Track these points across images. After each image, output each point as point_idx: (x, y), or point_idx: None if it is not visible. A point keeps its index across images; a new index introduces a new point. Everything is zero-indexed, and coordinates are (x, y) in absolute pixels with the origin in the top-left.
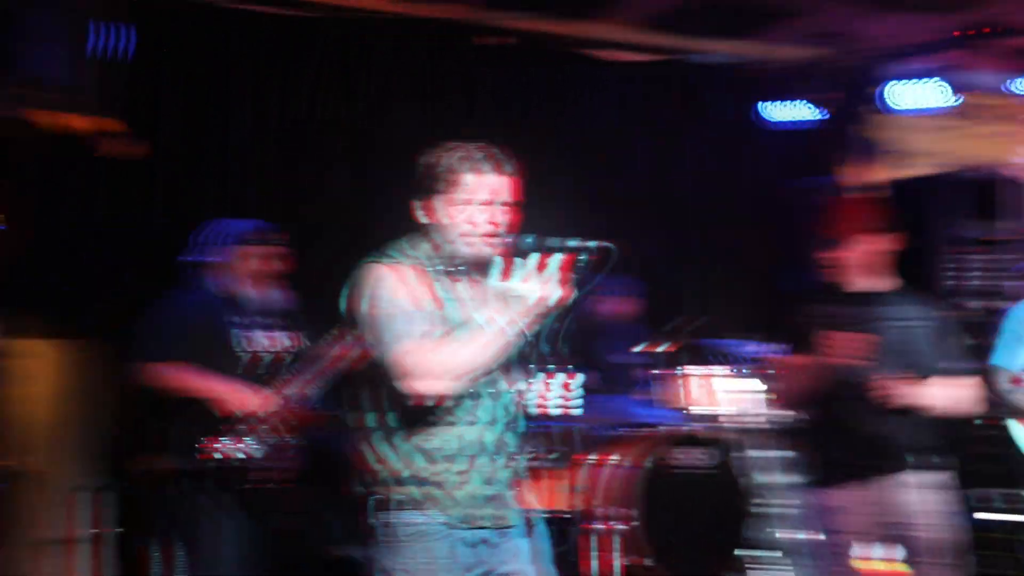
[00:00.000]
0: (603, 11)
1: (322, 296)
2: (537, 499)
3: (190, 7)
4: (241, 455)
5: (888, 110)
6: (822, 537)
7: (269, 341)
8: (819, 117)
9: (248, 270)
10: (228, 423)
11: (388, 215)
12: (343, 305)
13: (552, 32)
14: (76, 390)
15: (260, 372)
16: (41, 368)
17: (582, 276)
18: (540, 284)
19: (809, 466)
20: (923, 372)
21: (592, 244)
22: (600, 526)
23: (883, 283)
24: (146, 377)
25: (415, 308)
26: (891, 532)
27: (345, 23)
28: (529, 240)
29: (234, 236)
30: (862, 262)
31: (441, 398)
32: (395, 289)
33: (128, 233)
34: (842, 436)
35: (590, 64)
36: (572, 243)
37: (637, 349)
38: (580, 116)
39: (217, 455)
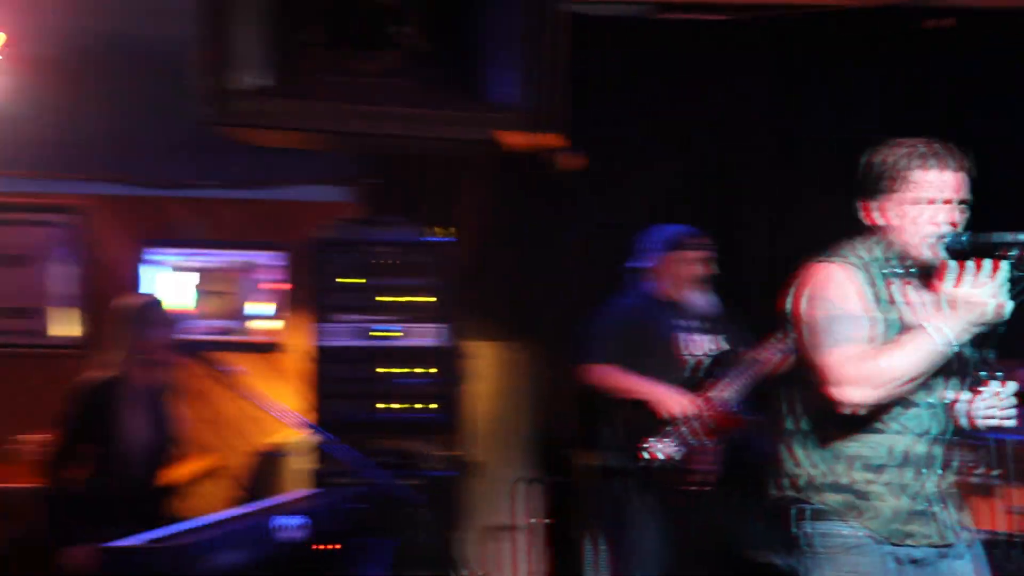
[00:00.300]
0: None
1: (746, 300)
2: (973, 519)
3: (621, 21)
4: (669, 456)
5: None
6: None
7: (701, 345)
8: None
9: (681, 274)
10: (659, 425)
11: (813, 216)
12: (786, 304)
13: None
14: (514, 389)
15: (692, 375)
16: (484, 368)
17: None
18: (992, 290)
19: None
20: None
21: None
22: None
23: None
24: (585, 378)
25: (859, 312)
26: None
27: (778, 21)
28: (965, 239)
29: (668, 241)
30: None
31: (861, 407)
32: (841, 291)
33: (569, 242)
34: None
35: None
36: (1010, 239)
37: None
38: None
39: (647, 455)
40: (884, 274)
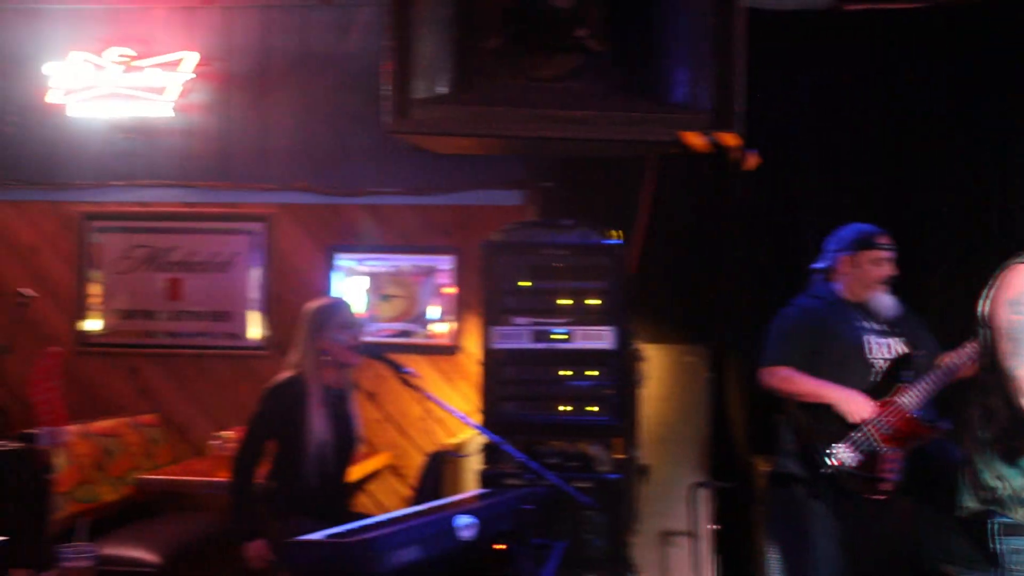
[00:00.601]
0: None
1: (931, 303)
2: None
3: (800, 15)
4: (851, 463)
5: None
6: None
7: (886, 348)
8: None
9: (867, 275)
10: (841, 430)
11: (1006, 215)
12: (983, 307)
13: None
14: (686, 392)
15: (877, 380)
16: (655, 370)
17: None
18: None
19: None
20: None
21: None
22: None
23: None
24: (764, 380)
25: None
26: None
27: (968, 9)
28: None
29: (855, 241)
30: None
31: None
32: None
33: (746, 243)
34: None
35: None
36: None
37: None
38: None
39: (828, 461)
40: None
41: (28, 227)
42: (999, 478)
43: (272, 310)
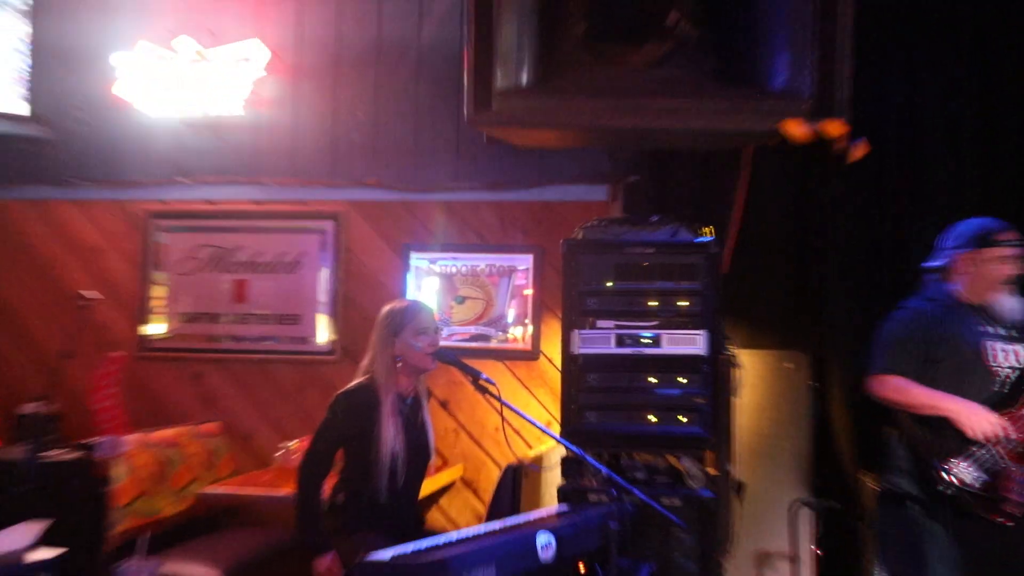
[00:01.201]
0: None
1: None
2: None
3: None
4: (971, 482)
5: None
6: None
7: (1012, 355)
8: None
9: (988, 275)
10: (960, 445)
11: None
12: None
13: None
14: (785, 401)
15: (1001, 390)
16: (751, 378)
17: None
18: None
19: None
20: None
21: None
22: None
23: None
24: (873, 390)
25: None
26: None
27: None
28: None
29: (974, 238)
30: None
31: None
32: None
33: (852, 239)
34: None
35: None
36: None
37: None
38: None
39: (945, 479)
40: None
41: (91, 227)
42: None
43: (341, 313)
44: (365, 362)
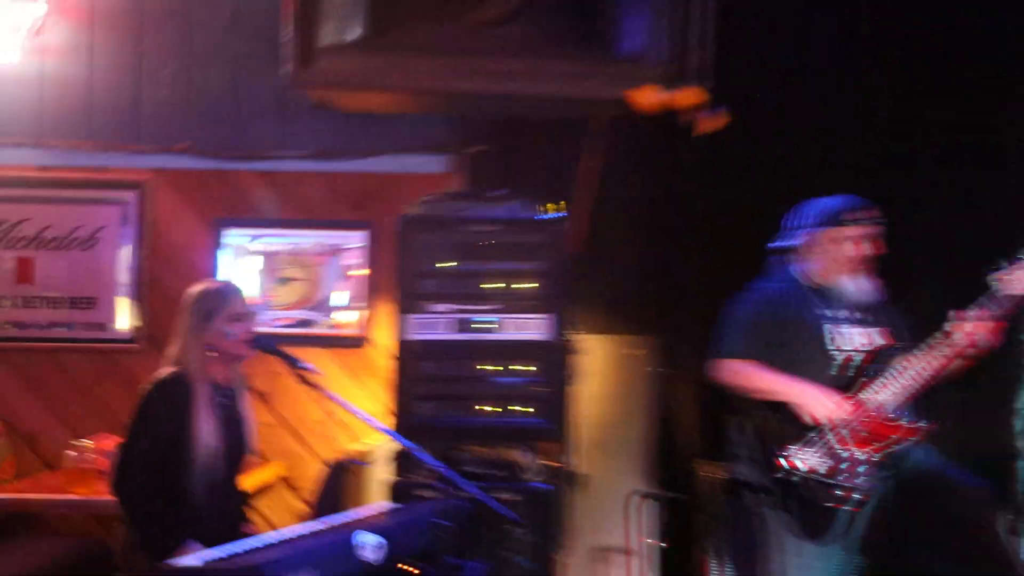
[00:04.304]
0: None
1: (917, 287)
2: None
3: None
4: (812, 468)
5: None
6: None
7: (863, 339)
8: None
9: (837, 255)
10: (802, 431)
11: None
12: (993, 285)
13: None
14: (630, 389)
15: (849, 374)
16: (595, 365)
17: None
18: None
19: None
20: None
21: None
22: None
23: None
24: (715, 375)
25: None
26: None
27: None
28: None
29: (823, 216)
30: None
31: None
32: None
33: (701, 218)
34: None
35: None
36: None
37: None
38: None
39: (786, 466)
40: None
41: None
42: None
43: (145, 296)
44: (173, 350)
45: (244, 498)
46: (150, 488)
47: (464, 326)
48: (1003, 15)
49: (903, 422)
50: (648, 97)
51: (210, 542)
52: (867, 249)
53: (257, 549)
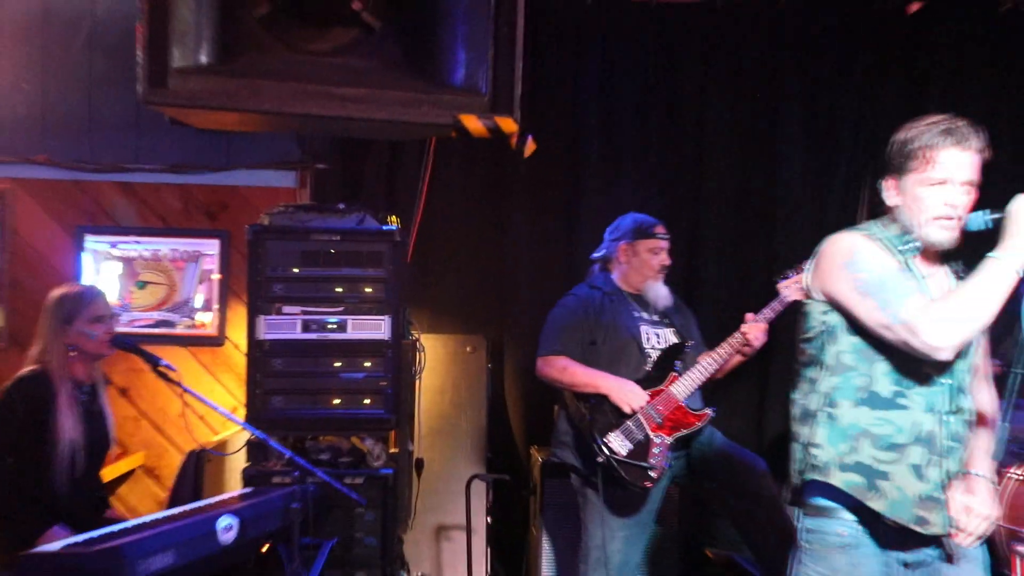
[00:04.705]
0: None
1: (705, 295)
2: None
3: (579, 5)
4: (624, 453)
5: None
6: None
7: (659, 337)
8: None
9: (644, 265)
10: (616, 419)
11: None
12: (810, 281)
13: None
14: (463, 383)
15: (652, 370)
16: (431, 361)
17: None
18: None
19: None
20: None
21: None
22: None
23: None
24: (539, 372)
25: (898, 270)
26: None
27: (740, 7)
28: (987, 219)
29: (633, 231)
30: None
31: (948, 348)
32: (876, 255)
33: (525, 230)
34: None
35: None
36: None
37: None
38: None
39: (606, 451)
40: (901, 253)
41: None
42: (824, 446)
43: (7, 298)
44: (35, 351)
45: (106, 488)
46: (7, 481)
47: (311, 326)
48: (782, 80)
49: (696, 410)
50: (473, 123)
51: (74, 530)
52: (666, 259)
53: (118, 534)
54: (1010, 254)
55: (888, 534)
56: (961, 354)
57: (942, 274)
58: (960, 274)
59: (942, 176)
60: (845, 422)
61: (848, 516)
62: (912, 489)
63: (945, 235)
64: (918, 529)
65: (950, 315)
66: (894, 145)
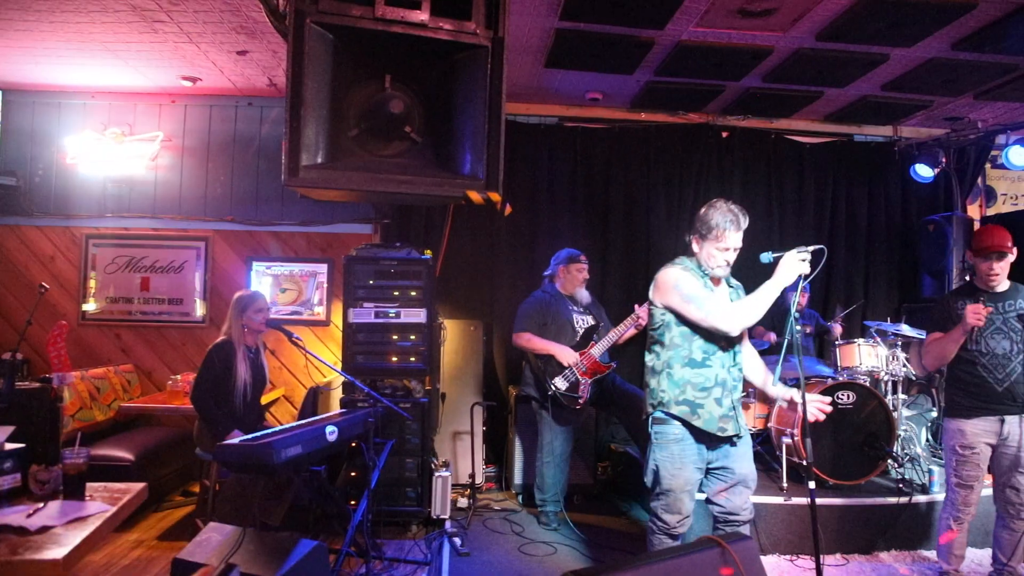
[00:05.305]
0: (799, 109)
1: (609, 295)
2: (745, 420)
3: (538, 127)
4: (564, 389)
5: (1000, 166)
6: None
7: (584, 322)
8: (946, 173)
9: (573, 278)
10: (558, 369)
11: (642, 253)
12: (652, 295)
13: (764, 127)
14: (470, 348)
15: (580, 340)
16: (451, 335)
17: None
18: (799, 266)
19: (947, 403)
20: None
21: (812, 248)
22: (785, 439)
23: (1005, 283)
24: (515, 342)
25: (704, 290)
26: (1004, 449)
27: (629, 131)
28: (767, 254)
29: (564, 259)
30: (1003, 270)
31: (739, 330)
32: (692, 279)
33: (506, 258)
34: (974, 385)
35: (789, 144)
36: (801, 250)
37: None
38: (777, 182)
39: (551, 388)
40: (702, 275)
41: (47, 243)
42: (665, 390)
43: (210, 297)
44: (224, 328)
45: (264, 408)
46: (210, 400)
47: (380, 315)
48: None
49: (606, 363)
50: (475, 196)
51: (246, 432)
52: (586, 275)
53: (270, 435)
54: (774, 281)
55: (701, 434)
56: (738, 336)
57: (723, 286)
58: (731, 284)
59: (725, 246)
60: (677, 377)
61: (679, 425)
62: (716, 412)
63: (723, 272)
64: (720, 434)
65: (740, 311)
66: (701, 220)
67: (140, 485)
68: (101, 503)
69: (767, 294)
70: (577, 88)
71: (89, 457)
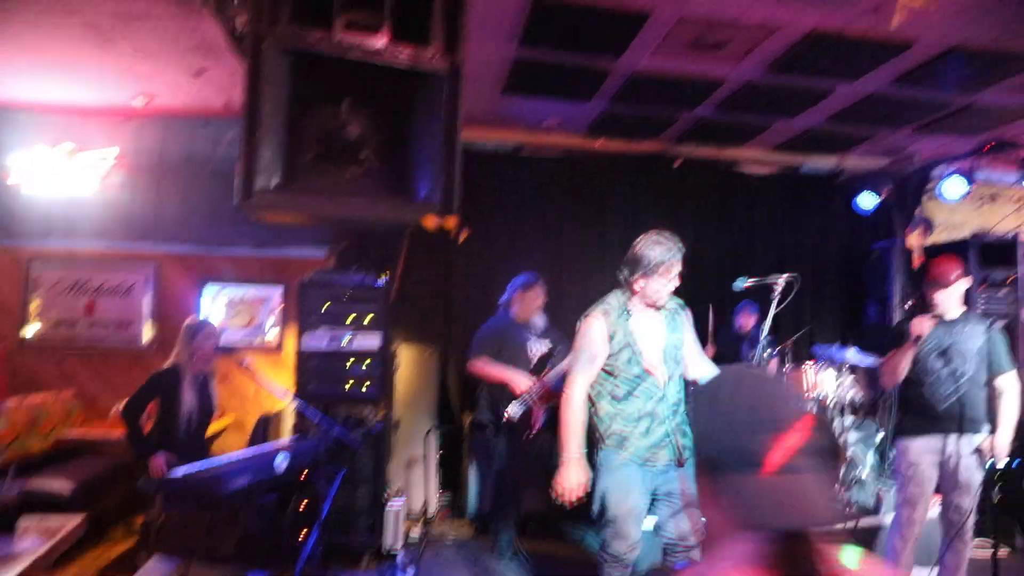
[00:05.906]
0: (749, 139)
1: (565, 322)
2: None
3: (494, 154)
4: (518, 416)
5: (939, 197)
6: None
7: (538, 348)
8: (888, 204)
9: (529, 305)
10: (512, 396)
11: (598, 279)
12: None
13: (715, 157)
14: (424, 374)
15: (533, 366)
16: (405, 361)
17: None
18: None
19: (896, 424)
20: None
21: (785, 276)
22: None
23: (958, 310)
24: (469, 368)
25: (595, 347)
26: (946, 469)
27: (582, 161)
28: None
29: (521, 285)
30: (954, 296)
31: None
32: (598, 334)
33: (461, 283)
34: (919, 405)
35: (739, 176)
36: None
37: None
38: (728, 212)
39: (505, 414)
40: (625, 311)
41: None
42: (600, 423)
43: (159, 321)
44: (174, 353)
45: (209, 442)
46: (138, 415)
47: (334, 340)
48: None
49: (559, 390)
50: (431, 221)
51: (189, 462)
52: (543, 300)
53: (216, 466)
54: (569, 451)
55: (642, 460)
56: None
57: (659, 316)
58: (669, 307)
59: (671, 277)
60: (602, 412)
61: (621, 451)
62: (643, 443)
63: (665, 301)
64: (648, 465)
65: (568, 407)
66: (640, 259)
67: (78, 518)
68: (35, 538)
69: (572, 434)
70: (535, 114)
71: (23, 490)
